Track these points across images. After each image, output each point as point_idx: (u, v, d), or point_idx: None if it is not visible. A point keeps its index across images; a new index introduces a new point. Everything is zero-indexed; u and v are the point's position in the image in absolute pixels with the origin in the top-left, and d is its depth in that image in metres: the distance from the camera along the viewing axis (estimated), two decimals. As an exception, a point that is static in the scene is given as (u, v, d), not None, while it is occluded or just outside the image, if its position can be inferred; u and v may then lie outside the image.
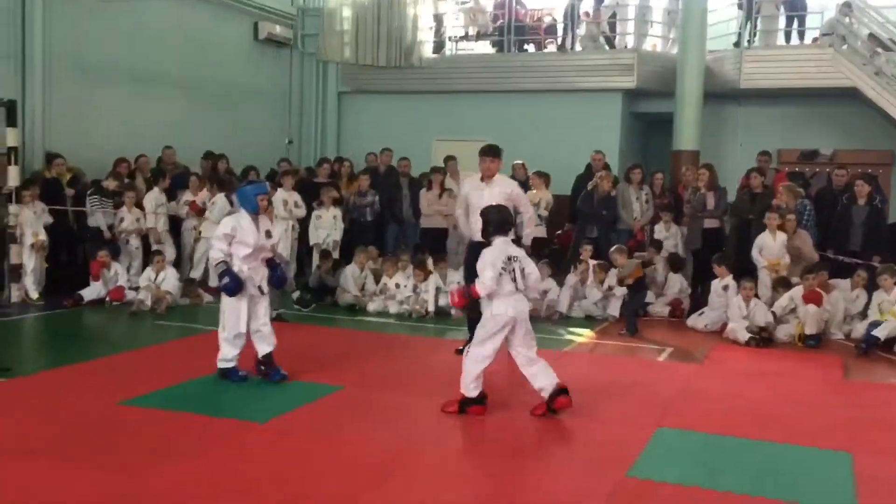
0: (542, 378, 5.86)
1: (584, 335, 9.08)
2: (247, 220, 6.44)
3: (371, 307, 10.16)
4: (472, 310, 8.04)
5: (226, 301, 6.52)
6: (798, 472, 4.97)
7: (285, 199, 10.85)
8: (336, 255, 11.12)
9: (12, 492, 4.30)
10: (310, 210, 11.30)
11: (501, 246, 5.93)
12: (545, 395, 5.83)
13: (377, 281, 10.50)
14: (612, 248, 9.74)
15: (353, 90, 15.77)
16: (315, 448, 5.14)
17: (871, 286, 9.24)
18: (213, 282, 7.25)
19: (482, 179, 7.75)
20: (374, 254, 11.03)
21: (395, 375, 7.01)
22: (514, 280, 5.83)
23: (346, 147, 15.33)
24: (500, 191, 7.70)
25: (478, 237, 7.82)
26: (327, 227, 11.28)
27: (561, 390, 5.80)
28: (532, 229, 8.09)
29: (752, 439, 5.51)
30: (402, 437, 5.36)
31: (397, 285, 10.21)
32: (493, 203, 7.68)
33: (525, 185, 10.74)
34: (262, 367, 6.61)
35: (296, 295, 10.13)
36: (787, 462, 5.14)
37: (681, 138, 13.03)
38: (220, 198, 10.55)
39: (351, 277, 10.49)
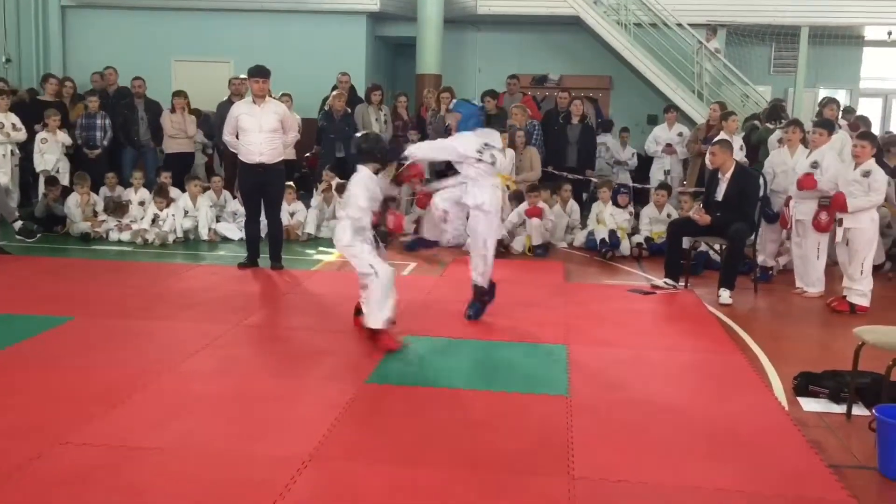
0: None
1: (333, 254, 9.20)
2: None
3: (110, 236, 9.62)
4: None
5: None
6: (521, 366, 5.43)
7: (1, 121, 9.91)
8: (66, 181, 10.34)
9: None
10: (33, 134, 10.38)
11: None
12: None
13: (111, 208, 9.92)
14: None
15: (78, 4, 14.48)
16: (41, 379, 4.83)
17: (590, 199, 10.17)
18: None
19: (253, 101, 7.90)
20: (113, 180, 10.43)
21: (130, 302, 6.72)
22: None
23: (74, 67, 14.13)
24: (273, 112, 7.76)
25: (254, 159, 7.79)
26: (55, 152, 10.44)
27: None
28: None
29: (483, 340, 5.95)
30: (136, 363, 5.19)
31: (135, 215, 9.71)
32: (266, 124, 7.67)
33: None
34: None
35: (18, 225, 9.30)
36: (511, 357, 5.60)
37: (423, 62, 13.34)
38: None
39: (75, 207, 9.83)
